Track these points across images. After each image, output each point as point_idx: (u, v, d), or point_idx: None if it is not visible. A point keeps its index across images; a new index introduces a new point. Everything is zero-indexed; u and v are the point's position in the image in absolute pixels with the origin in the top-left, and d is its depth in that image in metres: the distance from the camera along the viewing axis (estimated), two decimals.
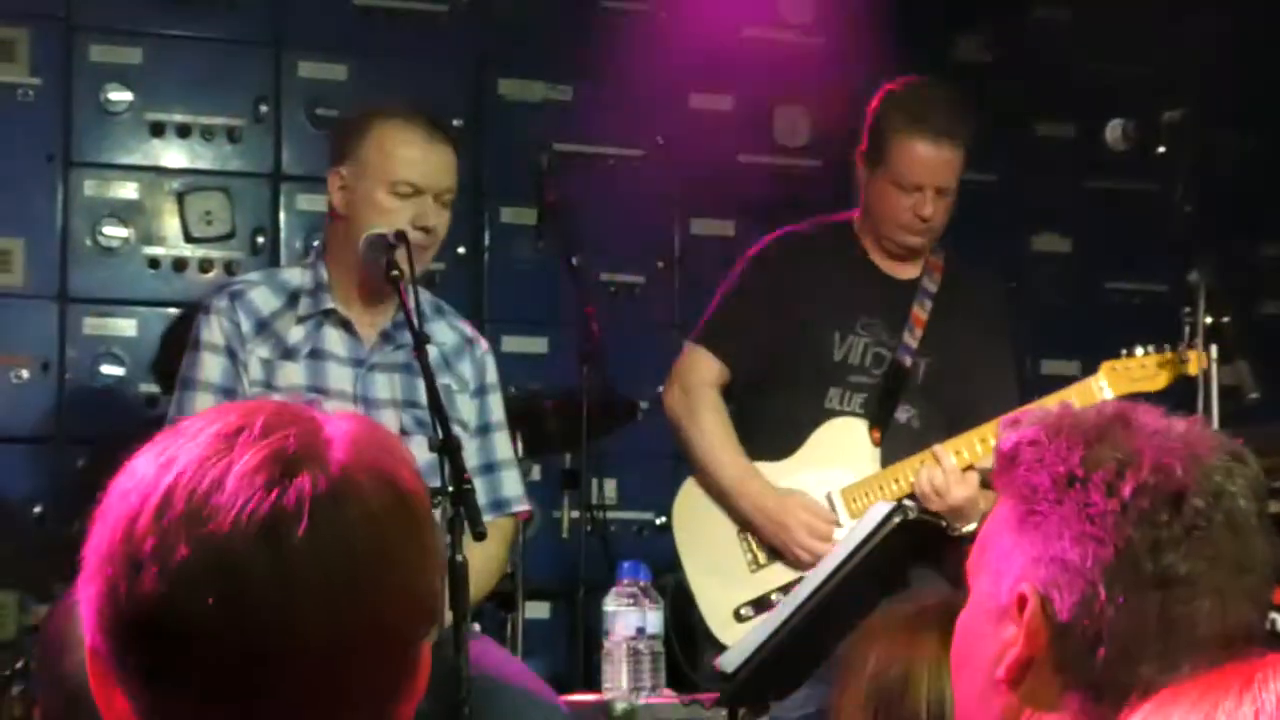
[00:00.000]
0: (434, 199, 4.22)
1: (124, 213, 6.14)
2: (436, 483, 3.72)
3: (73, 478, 5.95)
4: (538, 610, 6.20)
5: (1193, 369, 4.62)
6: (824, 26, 6.98)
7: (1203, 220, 4.78)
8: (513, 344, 6.36)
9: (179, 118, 6.22)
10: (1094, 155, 6.13)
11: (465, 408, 4.39)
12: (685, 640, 4.95)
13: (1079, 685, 1.75)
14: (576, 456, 5.91)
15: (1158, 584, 1.73)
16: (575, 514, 6.00)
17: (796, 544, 4.79)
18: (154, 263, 6.15)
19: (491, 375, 4.48)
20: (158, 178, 6.21)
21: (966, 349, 4.99)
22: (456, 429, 4.17)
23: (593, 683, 4.85)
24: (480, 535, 3.64)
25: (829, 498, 4.86)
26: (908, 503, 4.15)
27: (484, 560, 4.13)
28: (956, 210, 5.02)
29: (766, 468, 4.91)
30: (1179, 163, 4.77)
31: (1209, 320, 4.64)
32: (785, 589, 4.71)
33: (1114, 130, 4.92)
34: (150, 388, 6.07)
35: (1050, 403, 4.79)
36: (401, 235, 4.11)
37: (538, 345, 6.51)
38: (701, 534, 4.98)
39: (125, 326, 6.12)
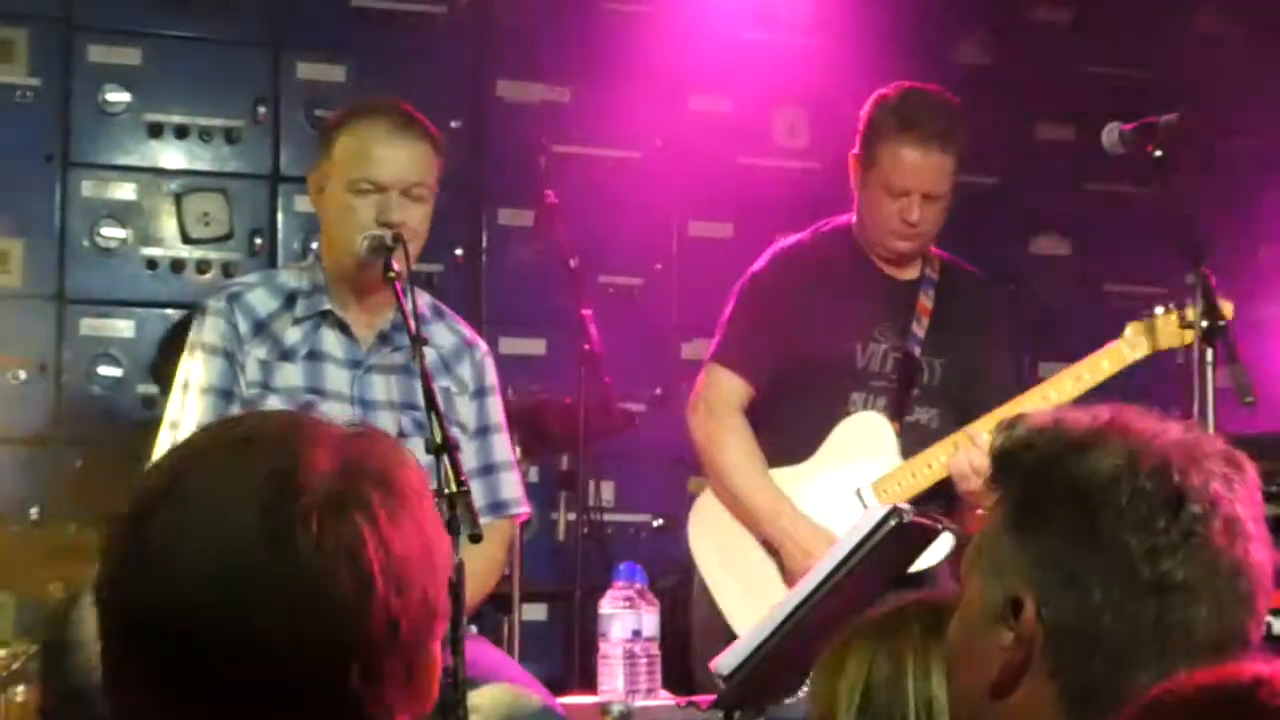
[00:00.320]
0: (401, 194, 4.18)
1: (122, 214, 6.14)
2: (433, 485, 3.72)
3: (70, 479, 5.95)
4: (534, 612, 6.20)
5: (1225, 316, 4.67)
6: (823, 29, 6.98)
7: (1201, 222, 4.78)
8: (511, 346, 6.36)
9: (177, 119, 6.22)
10: (1093, 158, 6.13)
11: (464, 410, 4.39)
12: (680, 644, 4.95)
13: (1073, 691, 1.74)
14: (574, 459, 5.92)
15: (1155, 590, 1.73)
16: (572, 516, 6.00)
17: None
18: (152, 264, 6.15)
19: (490, 377, 4.47)
20: (156, 179, 6.22)
21: (974, 349, 5.01)
22: (455, 431, 4.17)
23: (589, 685, 4.85)
24: (476, 538, 3.64)
25: (859, 493, 4.86)
26: (903, 505, 4.13)
27: (482, 562, 4.13)
28: (955, 212, 5.02)
29: (790, 471, 4.90)
30: (1177, 165, 4.77)
31: (1206, 323, 4.63)
32: None
33: (1111, 133, 4.92)
34: (148, 389, 6.07)
35: (1082, 368, 4.83)
36: (399, 238, 4.11)
37: (536, 347, 6.51)
38: (726, 550, 4.97)
39: (123, 328, 6.12)
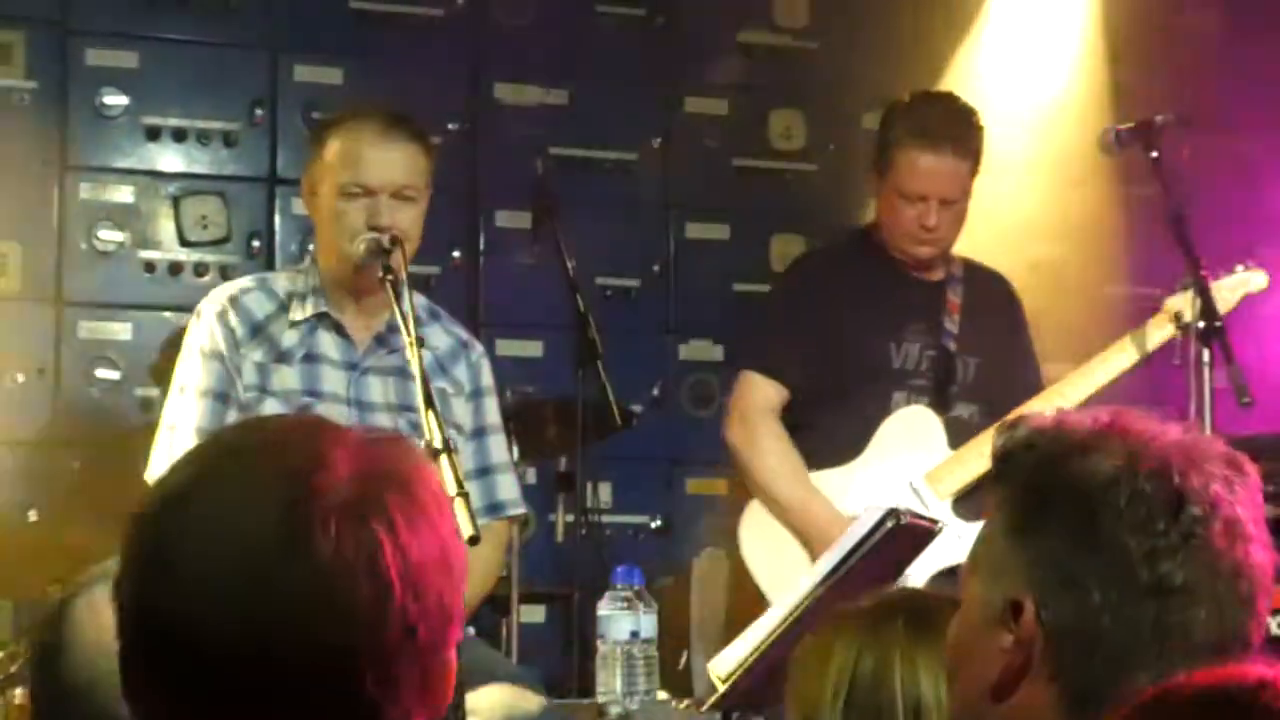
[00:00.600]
0: (391, 196, 4.18)
1: (120, 216, 6.14)
2: None
3: (68, 481, 5.95)
4: (532, 614, 6.20)
5: (1258, 286, 4.71)
6: (820, 30, 6.98)
7: (1197, 224, 4.79)
8: (508, 347, 6.36)
9: (175, 121, 6.22)
10: (1088, 160, 6.14)
11: (460, 411, 4.39)
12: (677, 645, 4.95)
13: (1073, 693, 1.75)
14: (571, 460, 5.92)
15: (1154, 592, 1.73)
16: (570, 518, 6.00)
17: None
18: (149, 266, 6.15)
19: (486, 379, 4.47)
20: (153, 181, 6.21)
21: (1005, 347, 5.06)
22: (452, 433, 4.17)
23: (587, 686, 4.85)
24: (473, 540, 3.64)
25: (912, 486, 4.87)
26: (901, 507, 4.14)
27: (479, 564, 4.13)
28: None
29: (839, 471, 4.91)
30: (1173, 167, 4.78)
31: (1202, 325, 4.64)
32: None
33: (1107, 135, 4.93)
34: (146, 391, 6.06)
35: (1125, 341, 4.84)
36: (396, 240, 4.11)
37: (533, 349, 6.51)
38: (778, 554, 4.98)
39: (120, 330, 6.12)
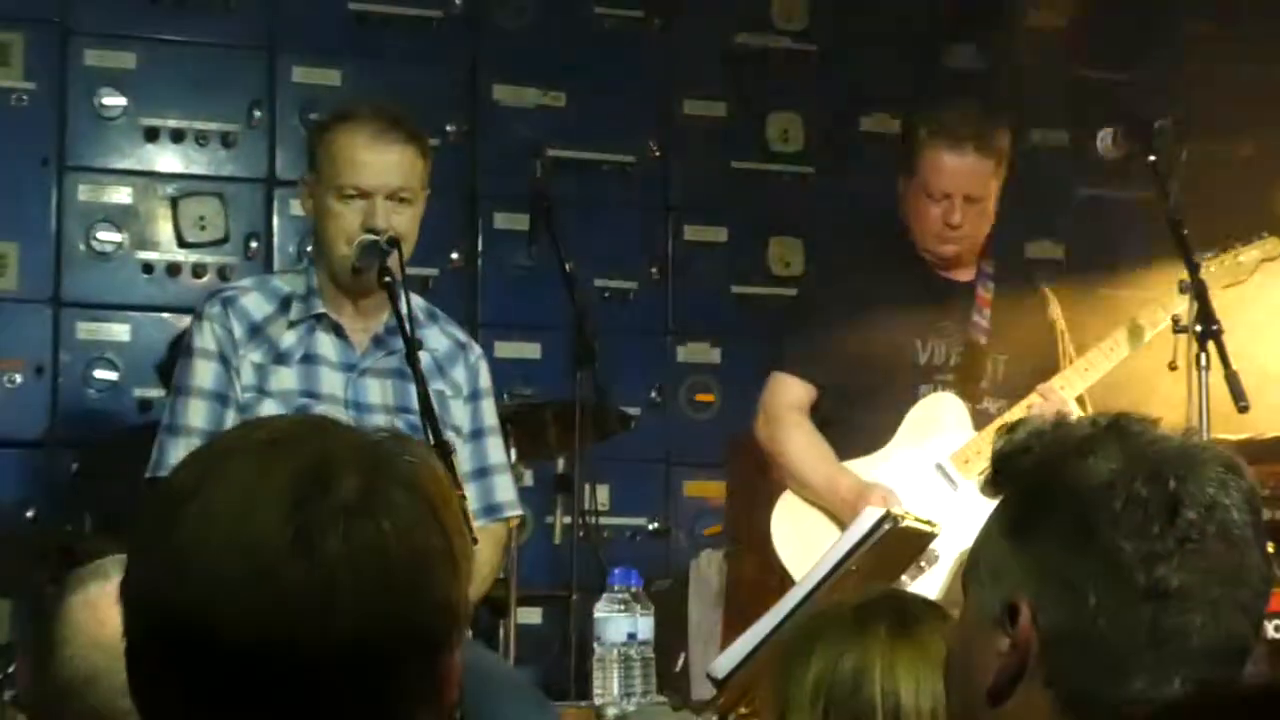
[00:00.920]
0: (387, 198, 4.18)
1: (118, 217, 6.14)
2: None
3: (66, 481, 5.95)
4: (530, 616, 6.20)
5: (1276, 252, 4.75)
6: (817, 33, 6.99)
7: (1193, 226, 4.79)
8: (506, 349, 6.37)
9: (173, 122, 6.22)
10: (1086, 162, 6.15)
11: (458, 413, 4.39)
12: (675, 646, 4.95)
13: (1069, 697, 1.75)
14: (569, 462, 5.91)
15: (1150, 596, 1.72)
16: (567, 519, 5.99)
17: None
18: (147, 267, 6.16)
19: (484, 380, 4.48)
20: (151, 182, 6.22)
21: (1034, 348, 5.09)
22: (449, 434, 4.17)
23: (584, 689, 4.85)
24: (471, 542, 3.64)
25: (939, 467, 4.89)
26: (897, 510, 4.15)
27: (476, 566, 4.13)
28: None
29: (866, 460, 4.94)
30: (1170, 170, 4.78)
31: (1199, 327, 4.65)
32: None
33: (1105, 138, 4.94)
34: (144, 392, 6.07)
35: (1121, 331, 4.90)
36: (394, 241, 4.11)
37: (530, 350, 6.51)
38: (810, 545, 5.00)
39: (118, 331, 6.12)
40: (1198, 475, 1.76)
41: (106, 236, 6.10)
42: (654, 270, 6.74)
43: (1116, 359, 4.96)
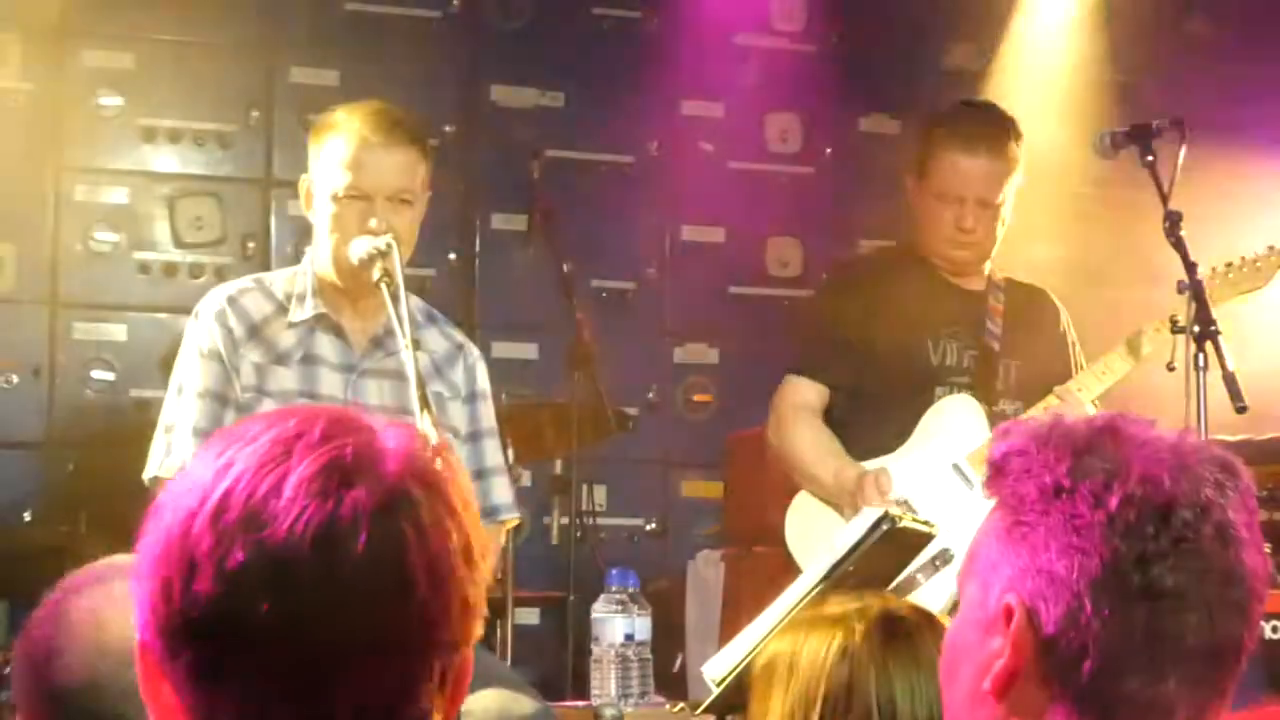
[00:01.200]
0: (387, 200, 4.18)
1: (115, 218, 6.15)
2: None
3: (63, 482, 5.95)
4: (527, 616, 6.21)
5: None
6: (815, 33, 6.99)
7: (1193, 227, 4.79)
8: (503, 350, 6.37)
9: (170, 123, 6.23)
10: (1084, 163, 6.15)
11: (456, 414, 4.38)
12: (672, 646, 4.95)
13: (1065, 698, 1.74)
14: (567, 463, 5.92)
15: (1145, 596, 1.72)
16: (565, 520, 6.00)
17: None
18: (144, 268, 6.16)
19: (482, 382, 4.47)
20: (149, 183, 6.22)
21: (1045, 357, 5.09)
22: (447, 436, 4.17)
23: (582, 689, 4.85)
24: None
25: (956, 467, 4.89)
26: (894, 510, 4.14)
27: None
28: None
29: (883, 460, 4.93)
30: (1168, 170, 4.78)
31: (1197, 328, 4.64)
32: (926, 563, 4.72)
33: (1103, 139, 4.93)
34: (140, 392, 6.07)
35: (1122, 348, 4.92)
36: (392, 243, 4.11)
37: (528, 351, 6.52)
38: (824, 544, 5.00)
39: (115, 332, 6.13)
40: (1193, 475, 1.76)
41: (103, 237, 6.11)
42: (651, 270, 6.75)
43: (1131, 363, 4.96)
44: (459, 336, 4.50)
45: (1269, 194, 6.89)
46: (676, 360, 6.75)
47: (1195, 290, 4.69)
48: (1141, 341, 4.95)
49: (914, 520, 4.14)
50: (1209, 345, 4.63)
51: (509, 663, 5.27)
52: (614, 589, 4.48)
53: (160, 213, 6.21)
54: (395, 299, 4.01)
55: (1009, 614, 1.76)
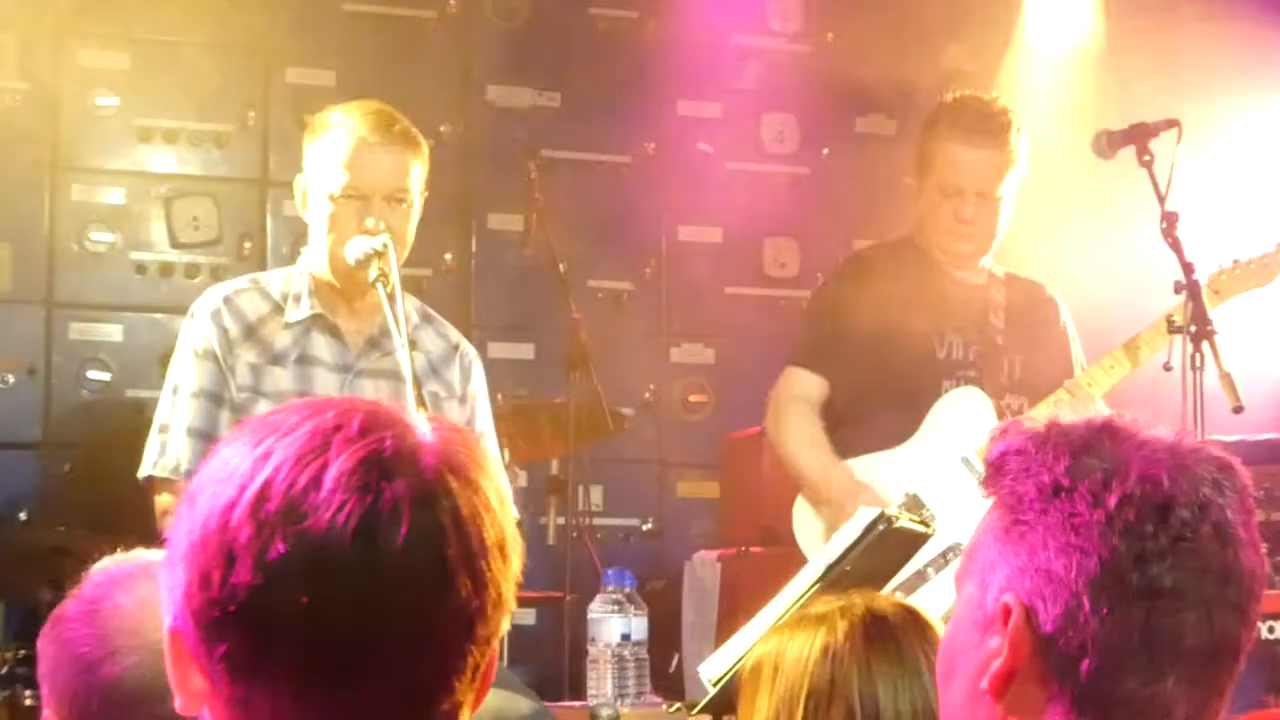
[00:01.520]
0: (384, 199, 4.18)
1: (111, 218, 6.14)
2: None
3: (59, 482, 5.95)
4: (524, 616, 6.20)
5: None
6: (812, 34, 6.99)
7: (1190, 227, 4.79)
8: (500, 350, 6.37)
9: (166, 123, 6.22)
10: (1081, 163, 6.14)
11: (452, 414, 4.38)
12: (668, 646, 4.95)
13: (1063, 697, 1.74)
14: (563, 463, 5.92)
15: (1143, 595, 1.72)
16: (562, 520, 6.00)
17: None
18: (141, 268, 6.16)
19: (478, 382, 4.47)
20: (145, 183, 6.22)
21: (1047, 352, 5.12)
22: None
23: (578, 689, 4.85)
24: None
25: (966, 460, 4.90)
26: (891, 511, 4.14)
27: None
28: None
29: (892, 453, 4.94)
30: (1163, 170, 4.78)
31: (1194, 328, 4.64)
32: (936, 557, 4.72)
33: (1099, 139, 4.94)
34: (136, 392, 6.06)
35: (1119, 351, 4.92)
36: (388, 243, 4.10)
37: (525, 351, 6.51)
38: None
39: (111, 332, 6.12)
40: (1191, 474, 1.76)
41: (99, 237, 6.10)
42: (648, 271, 6.74)
43: (1142, 359, 4.96)
44: (455, 336, 4.49)
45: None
46: (673, 360, 6.75)
47: (1192, 290, 4.69)
48: (1139, 344, 4.96)
49: (910, 520, 4.14)
50: (1205, 345, 4.63)
51: (505, 663, 5.27)
52: (610, 589, 4.48)
53: (156, 213, 6.21)
54: (391, 299, 4.01)
55: (1007, 613, 1.76)
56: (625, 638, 4.44)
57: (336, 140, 4.20)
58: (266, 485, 1.47)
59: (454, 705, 1.52)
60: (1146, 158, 4.82)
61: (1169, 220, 4.76)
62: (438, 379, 4.36)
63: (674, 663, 5.79)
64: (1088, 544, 1.73)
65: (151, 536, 3.81)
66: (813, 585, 3.82)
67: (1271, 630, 4.64)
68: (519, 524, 4.69)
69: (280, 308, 4.29)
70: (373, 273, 4.06)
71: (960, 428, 4.95)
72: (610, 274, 6.66)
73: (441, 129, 6.39)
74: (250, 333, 4.24)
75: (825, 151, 7.00)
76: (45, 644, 2.12)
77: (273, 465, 1.48)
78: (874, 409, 5.00)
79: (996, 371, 5.04)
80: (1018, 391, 5.05)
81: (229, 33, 6.32)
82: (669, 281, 6.79)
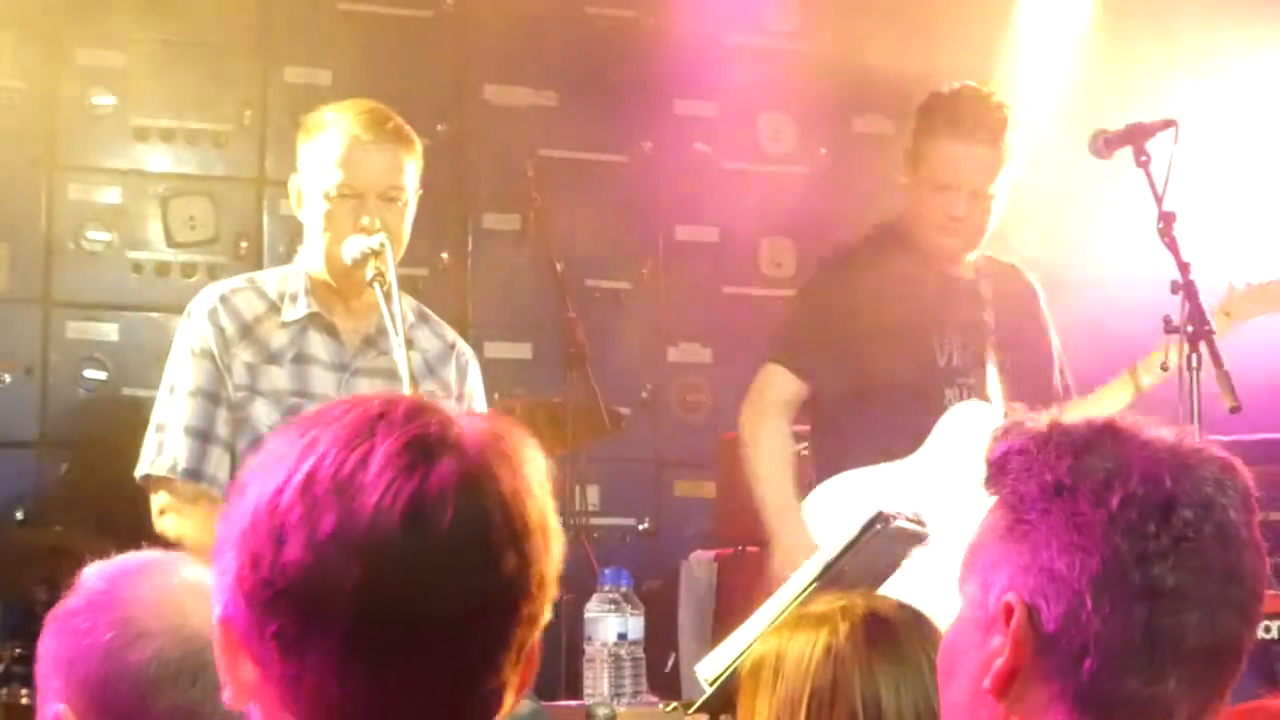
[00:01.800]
0: (379, 198, 4.18)
1: (108, 217, 6.14)
2: None
3: (55, 481, 5.95)
4: None
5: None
6: (809, 33, 6.99)
7: (1187, 227, 4.79)
8: (496, 350, 6.37)
9: (163, 122, 6.22)
10: (1079, 163, 6.15)
11: None
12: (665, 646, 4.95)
13: (1065, 696, 1.74)
14: (560, 463, 5.91)
15: (1145, 595, 1.72)
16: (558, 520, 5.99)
17: None
18: (137, 267, 6.16)
19: (475, 381, 4.47)
20: (142, 182, 6.22)
21: (1034, 345, 5.11)
22: None
23: (575, 688, 4.85)
24: None
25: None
26: (888, 511, 4.14)
27: None
28: None
29: (898, 466, 4.91)
30: (1161, 170, 4.78)
31: (1191, 328, 4.64)
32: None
33: (1096, 139, 4.93)
34: (133, 391, 6.06)
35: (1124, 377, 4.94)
36: (384, 242, 4.10)
37: (521, 351, 6.51)
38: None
39: (108, 331, 6.12)
40: (1193, 475, 1.76)
41: (96, 236, 6.10)
42: (645, 270, 6.75)
43: (1130, 394, 4.96)
44: (451, 335, 4.49)
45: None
46: (670, 360, 6.75)
47: (1188, 290, 4.69)
48: (1140, 372, 4.94)
49: (907, 520, 4.14)
50: (1202, 345, 4.63)
51: None
52: (607, 588, 4.48)
53: (153, 212, 6.21)
54: (388, 298, 4.01)
55: (1009, 612, 1.76)
56: (622, 637, 4.43)
57: (330, 139, 4.20)
58: (315, 468, 1.50)
59: (500, 684, 1.54)
60: (1143, 158, 4.82)
61: (1166, 220, 4.75)
62: (434, 378, 4.36)
63: (670, 662, 5.79)
64: (1090, 543, 1.73)
65: (149, 535, 3.82)
66: (810, 585, 3.82)
67: (1268, 630, 4.65)
68: None
69: (277, 307, 4.29)
70: (369, 272, 4.06)
71: (969, 445, 4.91)
72: (607, 273, 6.66)
73: (438, 128, 6.39)
74: (247, 332, 4.24)
75: (823, 151, 7.00)
76: (56, 638, 2.12)
77: (320, 450, 1.51)
78: (870, 415, 4.95)
79: (996, 376, 5.01)
80: (1016, 395, 5.02)
81: (226, 32, 6.32)
82: (666, 281, 6.79)
